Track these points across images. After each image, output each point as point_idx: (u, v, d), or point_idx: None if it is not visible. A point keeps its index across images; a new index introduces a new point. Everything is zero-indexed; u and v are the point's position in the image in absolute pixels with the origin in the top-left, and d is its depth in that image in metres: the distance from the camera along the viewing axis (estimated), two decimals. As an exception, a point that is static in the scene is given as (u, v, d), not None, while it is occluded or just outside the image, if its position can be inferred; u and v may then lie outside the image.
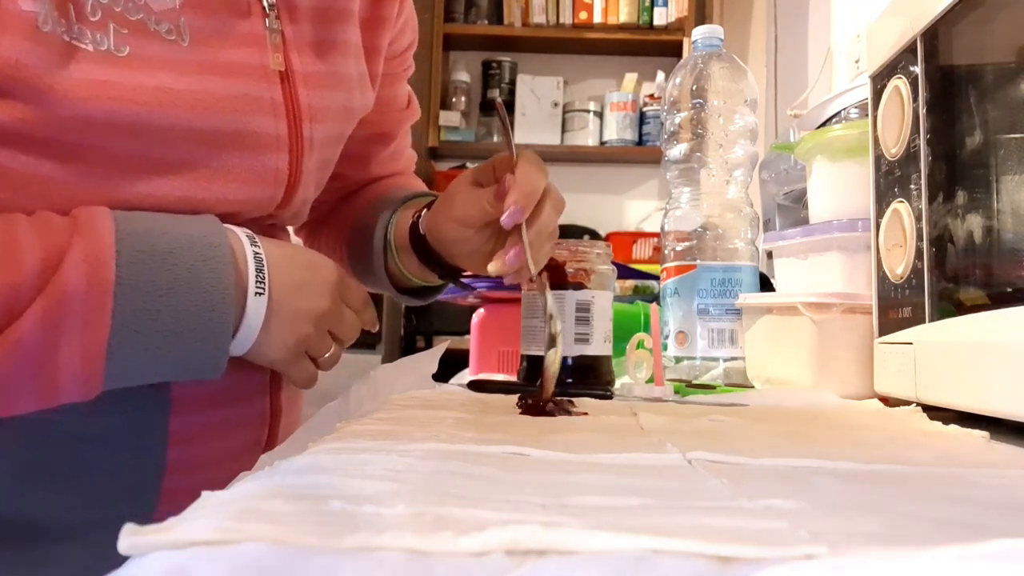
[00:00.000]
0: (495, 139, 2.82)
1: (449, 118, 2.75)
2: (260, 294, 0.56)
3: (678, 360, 0.94)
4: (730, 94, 0.96)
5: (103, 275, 0.50)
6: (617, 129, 2.74)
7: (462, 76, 2.83)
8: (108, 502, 0.58)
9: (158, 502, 0.59)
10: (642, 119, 2.77)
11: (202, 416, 0.61)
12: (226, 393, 0.62)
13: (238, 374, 0.61)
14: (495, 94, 2.82)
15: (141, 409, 0.58)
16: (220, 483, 0.60)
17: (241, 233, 0.58)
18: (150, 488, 0.59)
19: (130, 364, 0.52)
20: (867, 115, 0.74)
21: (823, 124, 1.11)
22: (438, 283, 0.79)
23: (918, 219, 0.63)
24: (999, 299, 0.52)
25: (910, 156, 0.64)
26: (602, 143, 2.78)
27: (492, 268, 0.64)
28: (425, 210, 0.72)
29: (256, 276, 0.56)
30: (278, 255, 0.59)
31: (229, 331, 0.55)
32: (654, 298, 1.10)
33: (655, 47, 2.78)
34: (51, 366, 0.50)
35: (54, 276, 0.49)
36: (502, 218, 0.62)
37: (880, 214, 0.69)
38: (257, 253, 0.57)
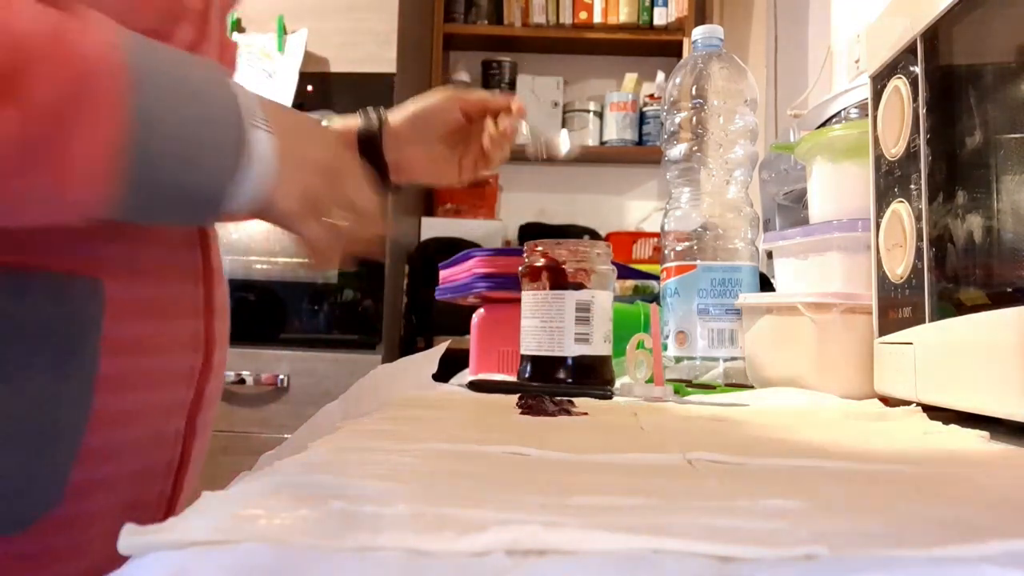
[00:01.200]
0: (495, 139, 2.82)
1: (449, 118, 2.75)
2: (265, 130, 0.51)
3: (678, 360, 0.94)
4: (730, 94, 0.96)
5: (115, 54, 0.43)
6: (617, 129, 2.74)
7: (462, 76, 2.82)
8: (25, 411, 0.51)
9: (87, 423, 0.53)
10: (642, 119, 2.77)
11: (136, 325, 0.56)
12: (159, 301, 0.58)
13: (168, 284, 0.58)
14: (495, 94, 2.82)
15: (74, 301, 0.52)
16: (154, 408, 0.58)
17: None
18: (80, 405, 0.52)
19: (150, 164, 0.45)
20: (867, 115, 0.74)
21: (823, 124, 1.11)
22: None
23: (918, 219, 0.63)
24: (999, 299, 0.52)
25: (910, 156, 0.64)
26: (602, 143, 2.78)
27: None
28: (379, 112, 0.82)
29: (254, 107, 0.51)
30: (270, 100, 0.55)
31: (244, 136, 0.50)
32: (654, 298, 1.10)
33: (655, 47, 2.77)
34: (64, 152, 0.42)
35: (65, 40, 0.41)
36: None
37: (880, 214, 0.69)
38: (254, 96, 0.53)
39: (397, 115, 0.82)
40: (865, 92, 0.80)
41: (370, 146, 0.80)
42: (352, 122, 0.82)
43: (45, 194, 0.43)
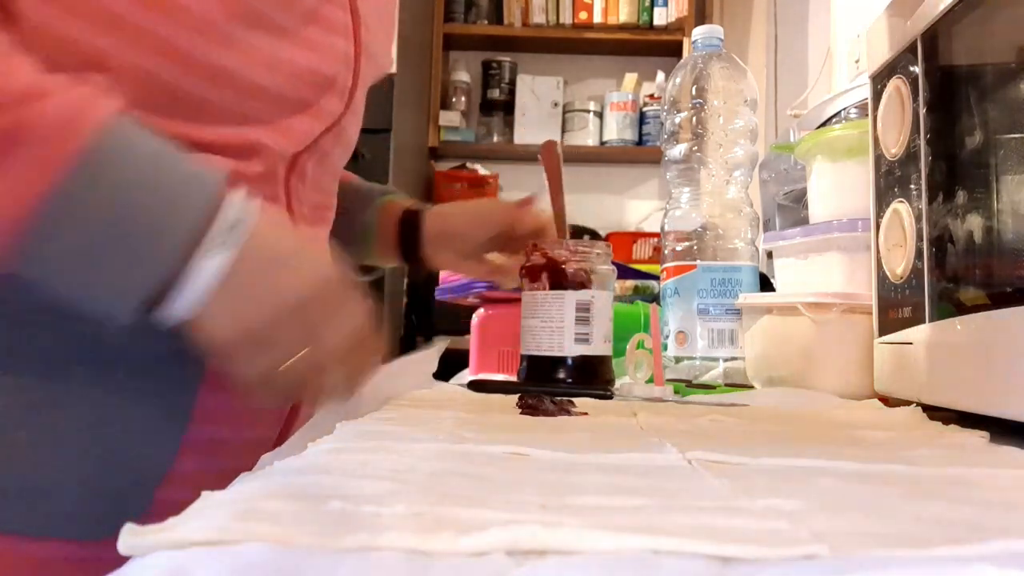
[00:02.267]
0: (495, 139, 2.82)
1: (449, 118, 2.75)
2: (224, 256, 0.47)
3: (678, 360, 0.94)
4: (730, 94, 0.96)
5: (85, 124, 0.45)
6: (617, 129, 2.74)
7: (462, 76, 2.82)
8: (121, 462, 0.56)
9: (179, 450, 0.58)
10: (642, 119, 2.77)
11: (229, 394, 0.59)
12: None
13: None
14: (495, 94, 2.82)
15: (187, 342, 0.50)
16: (240, 443, 0.61)
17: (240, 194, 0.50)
18: (175, 434, 0.58)
19: (59, 239, 0.45)
20: (867, 115, 0.74)
21: (823, 124, 1.11)
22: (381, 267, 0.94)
23: (918, 219, 0.63)
24: (999, 299, 0.52)
25: (910, 156, 0.64)
26: (602, 143, 2.78)
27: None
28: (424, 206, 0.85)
29: (230, 229, 0.48)
30: (269, 221, 0.50)
31: (189, 253, 0.46)
32: (654, 298, 1.10)
33: (655, 47, 2.78)
34: None
35: (36, 102, 0.44)
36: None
37: (880, 214, 0.69)
38: (241, 218, 0.48)
39: (449, 205, 0.87)
40: (865, 92, 0.80)
41: (411, 223, 0.84)
42: (392, 216, 0.85)
43: None
